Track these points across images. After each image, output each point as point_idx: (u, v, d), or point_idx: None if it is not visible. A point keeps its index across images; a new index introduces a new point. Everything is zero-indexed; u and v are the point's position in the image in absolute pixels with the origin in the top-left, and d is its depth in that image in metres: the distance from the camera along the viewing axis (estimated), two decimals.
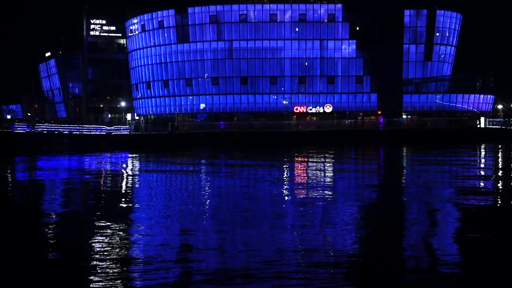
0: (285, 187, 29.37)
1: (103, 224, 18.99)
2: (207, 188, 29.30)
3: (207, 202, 24.16)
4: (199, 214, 20.97)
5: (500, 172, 37.66)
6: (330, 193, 26.38)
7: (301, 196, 25.73)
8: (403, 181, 32.66)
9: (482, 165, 44.56)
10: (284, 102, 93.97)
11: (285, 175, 35.98)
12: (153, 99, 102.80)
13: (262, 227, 18.21)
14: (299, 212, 20.82)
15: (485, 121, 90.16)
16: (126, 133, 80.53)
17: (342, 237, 16.57)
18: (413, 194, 26.32)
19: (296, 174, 37.49)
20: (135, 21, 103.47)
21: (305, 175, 36.81)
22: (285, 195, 26.03)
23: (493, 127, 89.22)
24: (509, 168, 41.62)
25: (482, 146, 70.31)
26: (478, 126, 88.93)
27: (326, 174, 37.32)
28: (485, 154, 58.41)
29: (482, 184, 30.73)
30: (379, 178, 35.23)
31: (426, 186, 29.10)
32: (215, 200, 24.84)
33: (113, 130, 79.69)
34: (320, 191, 26.74)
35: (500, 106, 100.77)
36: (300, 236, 16.69)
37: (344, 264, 13.63)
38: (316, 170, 39.95)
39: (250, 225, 18.52)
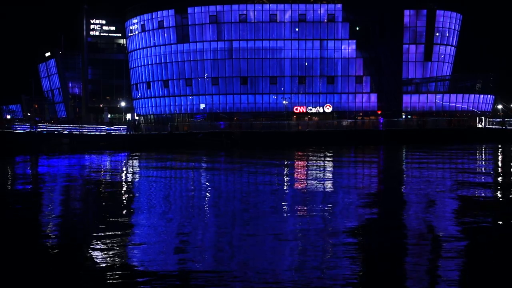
0: (284, 194, 29.34)
1: (102, 231, 18.96)
2: (204, 194, 29.28)
3: (206, 212, 24.13)
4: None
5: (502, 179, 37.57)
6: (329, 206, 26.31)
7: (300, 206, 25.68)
8: (402, 191, 32.56)
9: (483, 172, 44.44)
10: (284, 102, 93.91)
11: (285, 180, 35.97)
12: (153, 99, 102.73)
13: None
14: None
15: (485, 121, 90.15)
16: (126, 133, 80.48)
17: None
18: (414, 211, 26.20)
19: (295, 180, 37.47)
20: (135, 21, 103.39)
21: (304, 179, 36.80)
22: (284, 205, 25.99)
23: (493, 127, 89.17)
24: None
25: (483, 147, 70.27)
26: (478, 126, 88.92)
27: (325, 177, 37.31)
28: (485, 156, 58.37)
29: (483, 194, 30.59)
30: (378, 184, 35.20)
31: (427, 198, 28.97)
32: (212, 211, 24.78)
33: (113, 130, 79.64)
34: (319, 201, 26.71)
35: (500, 106, 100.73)
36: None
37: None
38: (315, 172, 39.94)
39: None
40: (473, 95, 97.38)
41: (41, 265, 14.02)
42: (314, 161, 49.24)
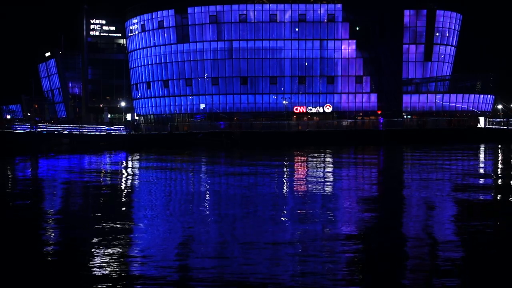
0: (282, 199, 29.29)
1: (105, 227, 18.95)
2: (204, 195, 29.28)
3: (205, 213, 24.10)
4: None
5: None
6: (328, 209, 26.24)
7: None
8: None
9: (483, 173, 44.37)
10: (284, 102, 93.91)
11: (284, 181, 35.97)
12: (153, 99, 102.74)
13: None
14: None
15: (485, 121, 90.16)
16: (126, 133, 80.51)
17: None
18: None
19: (295, 180, 37.47)
20: (135, 21, 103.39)
21: (304, 180, 36.80)
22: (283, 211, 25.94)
23: (493, 127, 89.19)
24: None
25: (483, 147, 70.25)
26: (478, 126, 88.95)
27: (325, 178, 37.31)
28: (485, 157, 58.35)
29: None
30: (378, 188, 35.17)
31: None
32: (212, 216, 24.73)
33: (113, 130, 79.66)
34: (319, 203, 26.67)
35: (500, 106, 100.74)
36: None
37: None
38: (315, 172, 39.94)
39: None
40: (473, 95, 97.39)
41: (41, 265, 14.02)
42: (314, 162, 49.23)
